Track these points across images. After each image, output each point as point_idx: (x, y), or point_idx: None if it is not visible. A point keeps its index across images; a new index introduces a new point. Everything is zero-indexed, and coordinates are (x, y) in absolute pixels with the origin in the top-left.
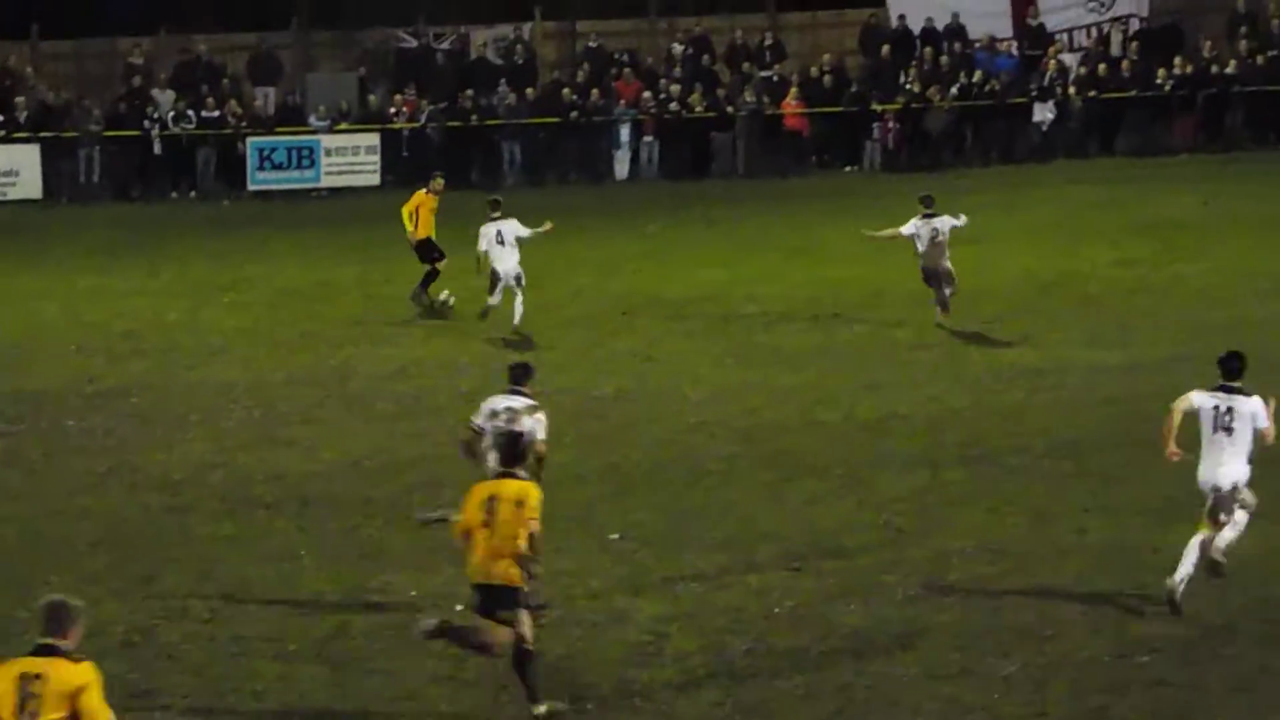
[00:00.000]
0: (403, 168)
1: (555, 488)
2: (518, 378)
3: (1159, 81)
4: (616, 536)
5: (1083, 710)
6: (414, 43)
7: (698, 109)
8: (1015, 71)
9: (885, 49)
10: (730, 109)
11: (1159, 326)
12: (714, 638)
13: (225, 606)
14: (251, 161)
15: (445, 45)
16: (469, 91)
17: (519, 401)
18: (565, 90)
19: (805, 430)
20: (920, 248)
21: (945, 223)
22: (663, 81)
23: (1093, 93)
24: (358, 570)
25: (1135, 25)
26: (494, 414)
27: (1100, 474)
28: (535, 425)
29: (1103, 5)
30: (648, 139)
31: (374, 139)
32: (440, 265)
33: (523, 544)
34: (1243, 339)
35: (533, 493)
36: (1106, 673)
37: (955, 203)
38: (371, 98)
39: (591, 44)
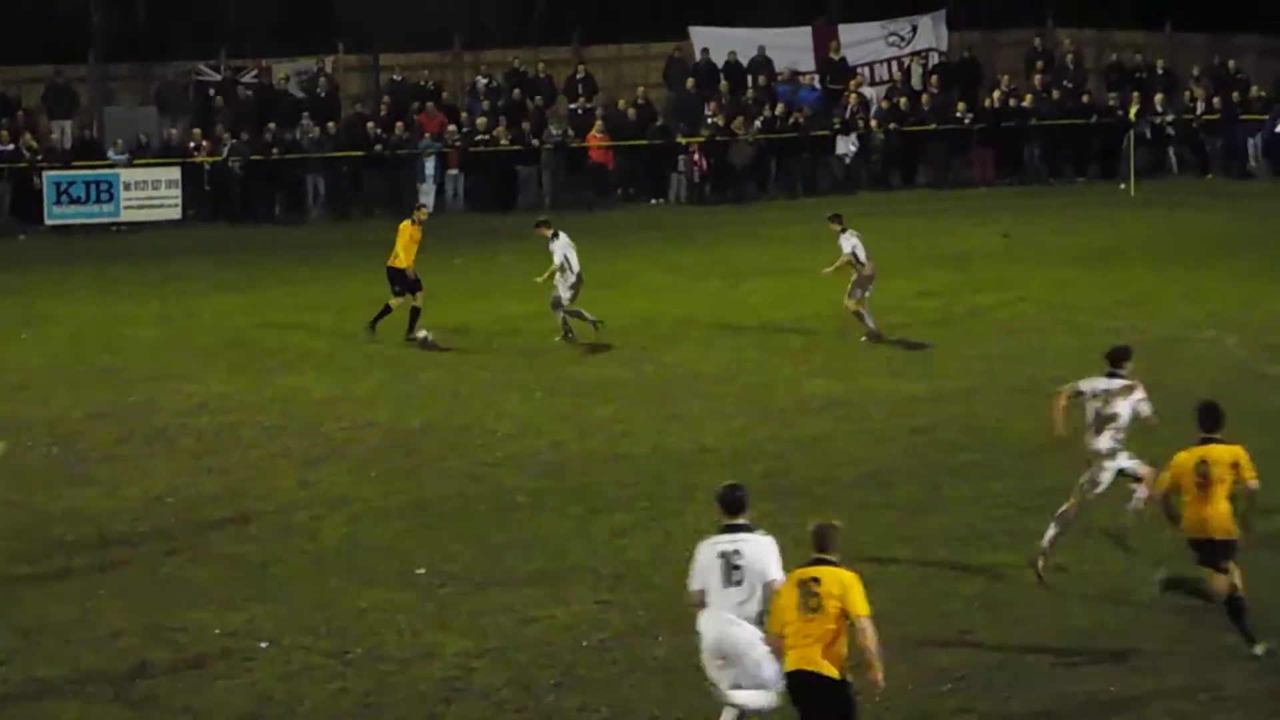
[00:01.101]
0: (205, 202)
1: (359, 523)
2: (1116, 359)
3: (958, 115)
4: (423, 571)
5: None
6: (215, 76)
7: (503, 142)
8: (818, 104)
9: (690, 82)
10: (536, 142)
11: (961, 357)
12: (522, 671)
13: (23, 647)
14: (48, 196)
15: (246, 78)
16: (271, 125)
17: (1116, 383)
18: (369, 123)
19: (613, 463)
20: (863, 257)
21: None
22: (464, 116)
23: (894, 126)
24: (159, 608)
25: (934, 59)
26: (1093, 394)
27: (905, 504)
28: (1138, 404)
29: (903, 39)
30: (453, 172)
31: (174, 173)
32: (416, 300)
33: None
34: (1043, 370)
35: (1243, 453)
36: (911, 702)
37: (760, 234)
38: (172, 131)
39: (395, 77)
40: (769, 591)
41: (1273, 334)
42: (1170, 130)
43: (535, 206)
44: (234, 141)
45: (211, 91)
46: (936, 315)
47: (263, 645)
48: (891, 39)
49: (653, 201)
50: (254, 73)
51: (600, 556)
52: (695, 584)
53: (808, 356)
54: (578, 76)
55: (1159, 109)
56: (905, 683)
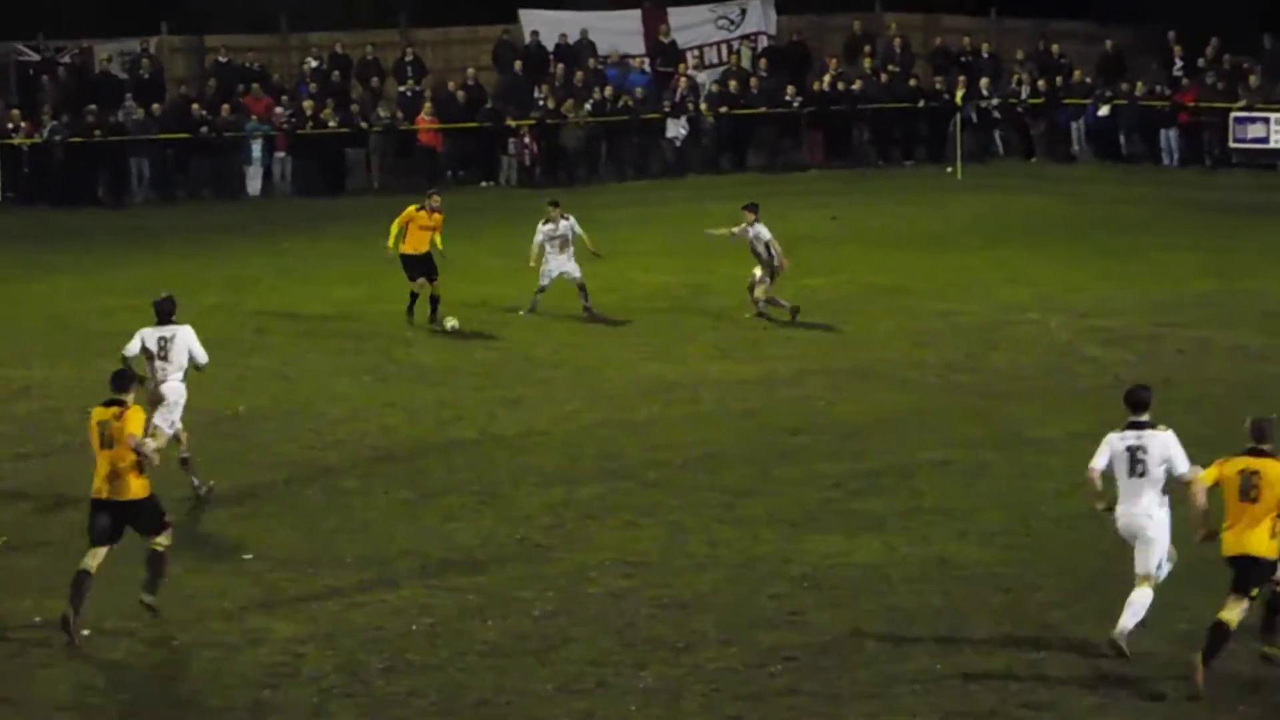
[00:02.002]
0: (25, 185)
1: (185, 509)
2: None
3: (788, 99)
4: (250, 557)
5: None
6: (34, 56)
7: (331, 124)
8: (648, 88)
9: (519, 65)
10: (364, 124)
11: (790, 340)
12: (350, 656)
13: None
14: None
15: (67, 59)
16: (93, 106)
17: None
18: (194, 105)
19: (443, 448)
20: (776, 251)
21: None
22: (285, 100)
23: (724, 109)
24: None
25: (764, 43)
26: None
27: (735, 487)
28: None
29: (732, 23)
30: (280, 155)
31: None
32: (432, 286)
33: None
34: (870, 353)
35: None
36: (741, 683)
37: (592, 217)
38: None
39: (221, 59)
40: (1178, 481)
41: (1096, 317)
42: (996, 114)
43: (363, 190)
44: (55, 123)
45: (31, 72)
46: (766, 298)
47: (85, 633)
48: (721, 22)
49: (483, 184)
50: (75, 53)
51: (429, 541)
52: (1099, 462)
53: (639, 340)
54: (406, 59)
55: (984, 93)
56: (734, 664)
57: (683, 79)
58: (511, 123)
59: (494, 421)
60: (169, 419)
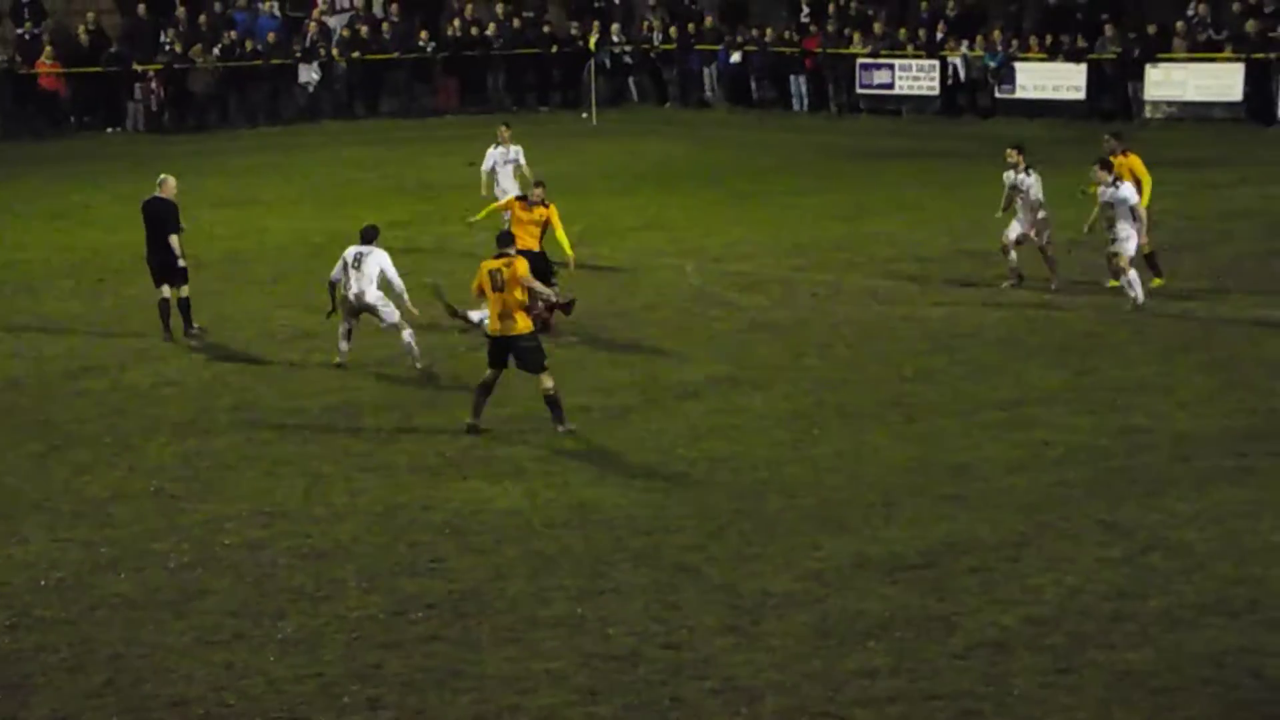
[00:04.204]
0: None
1: None
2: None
3: (421, 43)
4: None
5: (358, 668)
6: None
7: None
8: (279, 32)
9: (142, 8)
10: None
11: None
12: None
13: None
14: None
15: None
16: None
17: None
18: None
19: (72, 398)
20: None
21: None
22: None
23: (356, 54)
24: None
25: None
26: None
27: (375, 433)
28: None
29: None
30: None
31: None
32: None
33: None
34: None
35: None
36: (382, 630)
37: (223, 165)
38: None
39: None
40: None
41: (730, 261)
42: (629, 60)
43: None
44: None
45: None
46: (405, 244)
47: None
48: None
49: (109, 130)
50: None
51: (59, 494)
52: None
53: (274, 288)
54: (23, 0)
55: (617, 39)
56: (375, 612)
57: (313, 23)
58: (138, 67)
59: (125, 372)
60: (391, 313)
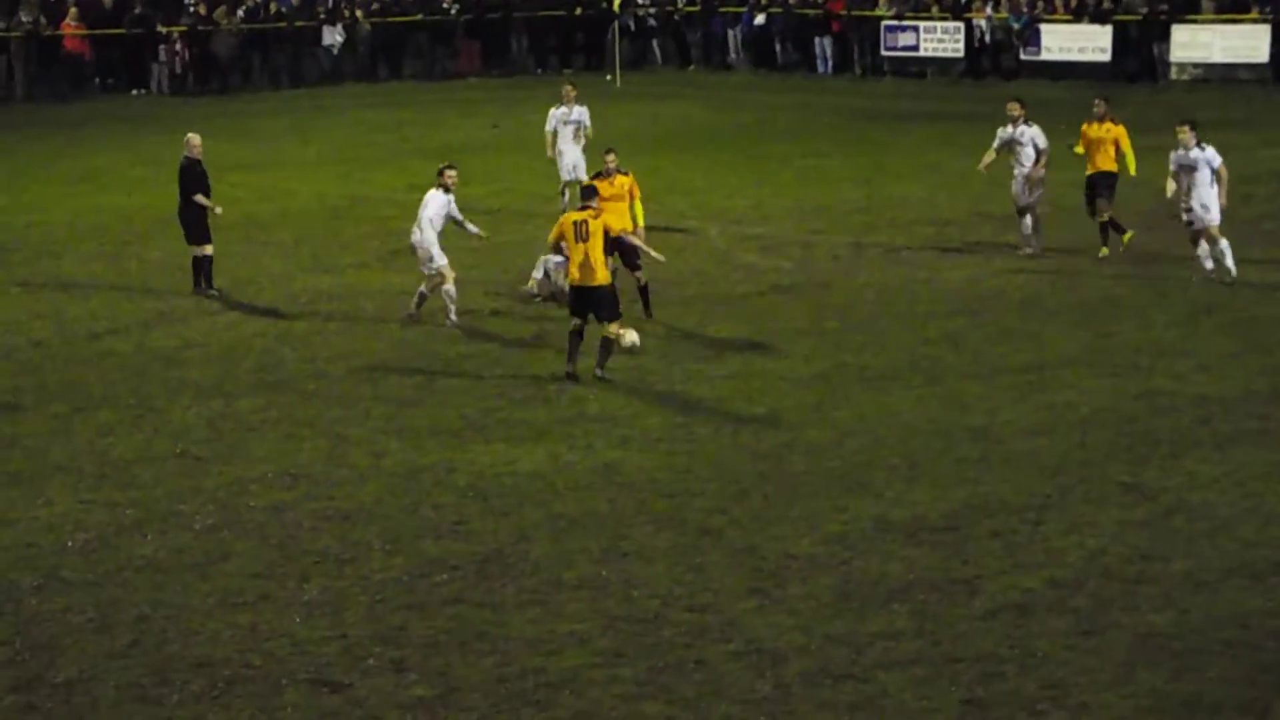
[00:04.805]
0: None
1: None
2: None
3: (445, 6)
4: None
5: (382, 630)
6: None
7: None
8: None
9: None
10: (4, 30)
11: (450, 249)
12: (1, 576)
13: None
14: None
15: None
16: None
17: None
18: None
19: (96, 361)
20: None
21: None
22: None
23: (379, 17)
24: None
25: None
26: None
27: (397, 397)
28: None
29: None
30: None
31: None
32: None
33: None
34: (528, 261)
35: None
36: (405, 593)
37: (246, 127)
38: None
39: None
40: None
41: (751, 224)
42: (653, 22)
43: (7, 99)
44: None
45: None
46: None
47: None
48: None
49: (133, 93)
50: None
51: (84, 455)
52: None
53: (296, 251)
54: None
55: (641, 1)
56: (398, 574)
57: None
58: (162, 29)
59: (149, 334)
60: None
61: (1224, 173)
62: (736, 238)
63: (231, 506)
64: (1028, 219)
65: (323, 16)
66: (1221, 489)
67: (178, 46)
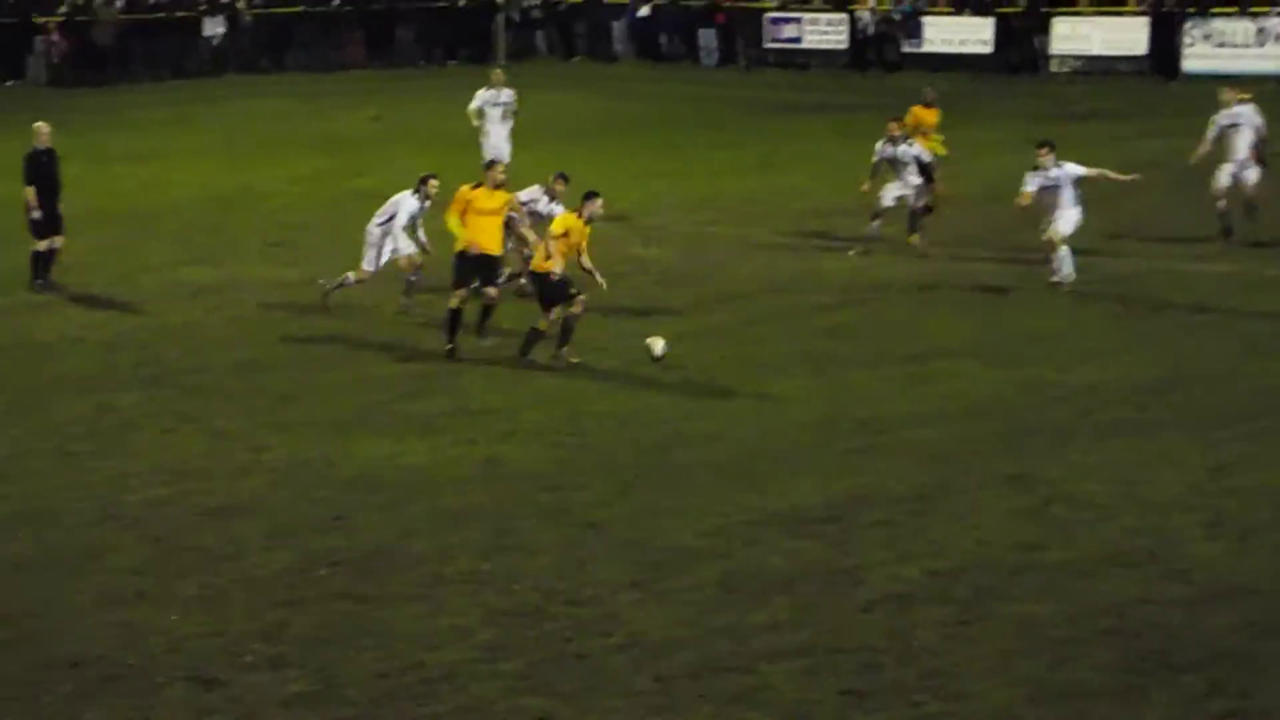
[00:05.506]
0: None
1: None
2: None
3: None
4: None
5: (261, 626)
6: None
7: None
8: None
9: None
10: None
11: (336, 241)
12: None
13: None
14: None
15: None
16: None
17: None
18: None
19: None
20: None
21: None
22: None
23: (263, 8)
24: None
25: None
26: None
27: (278, 391)
28: None
29: None
30: None
31: None
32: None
33: None
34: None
35: None
36: (285, 588)
37: (126, 118)
38: None
39: None
40: None
41: (639, 216)
42: (537, 14)
43: None
44: None
45: None
46: (312, 199)
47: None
48: None
49: (8, 84)
50: None
51: None
52: None
53: (178, 243)
54: None
55: None
56: (279, 569)
57: None
58: (38, 19)
59: (26, 329)
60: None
61: (1091, 172)
62: (624, 229)
63: (110, 503)
64: (877, 222)
65: (204, 7)
66: (1101, 478)
67: (55, 37)
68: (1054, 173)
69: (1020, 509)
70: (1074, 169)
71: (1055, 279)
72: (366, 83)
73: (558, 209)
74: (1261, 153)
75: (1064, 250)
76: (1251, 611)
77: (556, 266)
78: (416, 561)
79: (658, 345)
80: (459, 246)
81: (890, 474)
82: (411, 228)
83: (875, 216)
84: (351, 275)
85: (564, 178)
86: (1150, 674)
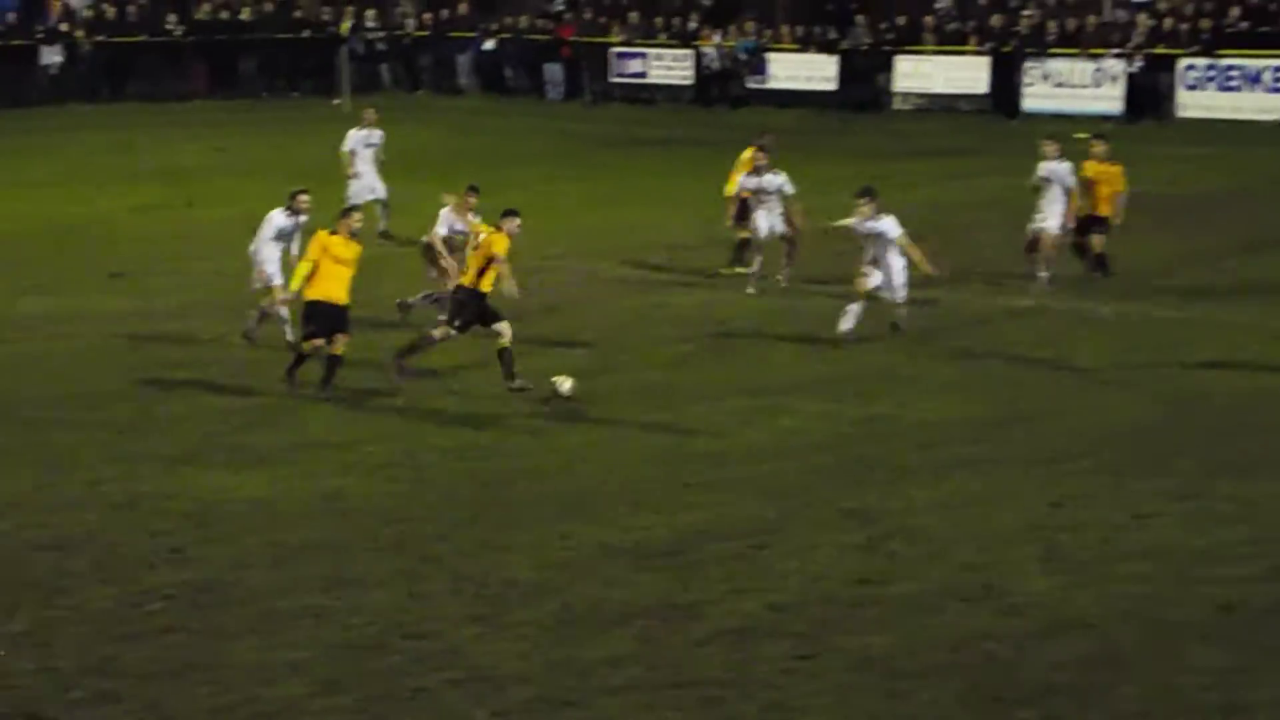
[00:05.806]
0: None
1: None
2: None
3: (169, 27)
4: None
5: (92, 661)
6: None
7: None
8: (19, 12)
9: None
10: None
11: (177, 272)
12: None
13: None
14: None
15: None
16: None
17: None
18: None
19: None
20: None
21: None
22: None
23: (102, 37)
24: None
25: None
26: None
27: (119, 423)
28: None
29: None
30: None
31: None
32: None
33: None
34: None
35: None
36: (118, 623)
37: None
38: None
39: None
40: None
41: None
42: (382, 46)
43: None
44: None
45: None
46: (153, 230)
47: None
48: None
49: None
50: None
51: None
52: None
53: (18, 273)
54: None
55: (371, 25)
56: (112, 604)
57: (57, 4)
58: None
59: None
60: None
61: (904, 242)
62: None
63: None
64: (759, 257)
65: (41, 35)
66: (939, 513)
67: None
68: (871, 224)
69: (860, 543)
70: (893, 229)
71: (840, 328)
72: (209, 113)
73: (475, 218)
74: (1068, 218)
75: (858, 306)
76: (1083, 645)
77: (486, 285)
78: (253, 595)
79: (565, 385)
80: (307, 294)
81: (731, 508)
82: (285, 248)
83: (757, 250)
84: (266, 303)
85: (474, 189)
86: (986, 708)
